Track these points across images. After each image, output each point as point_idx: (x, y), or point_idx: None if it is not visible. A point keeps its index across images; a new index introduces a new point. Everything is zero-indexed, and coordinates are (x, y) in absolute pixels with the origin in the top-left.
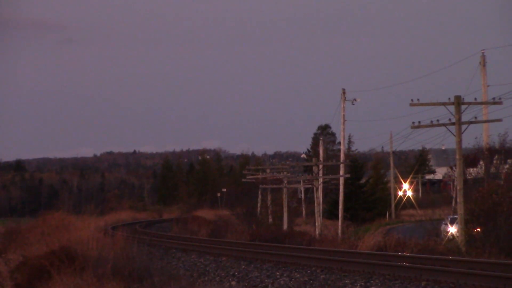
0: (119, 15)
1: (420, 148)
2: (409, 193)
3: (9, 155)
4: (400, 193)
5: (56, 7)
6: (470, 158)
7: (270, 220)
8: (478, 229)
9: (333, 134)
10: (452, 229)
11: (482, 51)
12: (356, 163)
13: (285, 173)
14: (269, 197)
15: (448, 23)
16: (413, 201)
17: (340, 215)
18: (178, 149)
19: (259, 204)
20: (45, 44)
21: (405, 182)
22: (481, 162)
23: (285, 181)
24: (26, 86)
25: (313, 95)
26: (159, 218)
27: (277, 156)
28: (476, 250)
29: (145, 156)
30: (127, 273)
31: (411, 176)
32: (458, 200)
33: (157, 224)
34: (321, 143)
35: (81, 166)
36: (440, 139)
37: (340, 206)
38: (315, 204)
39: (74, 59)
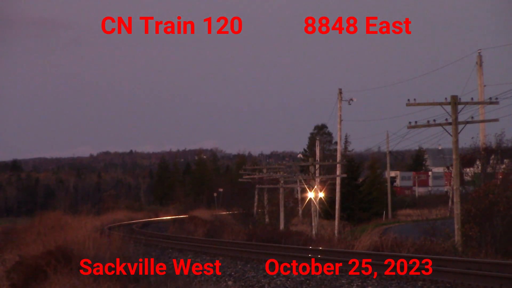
0: (116, 16)
1: (417, 148)
2: (321, 195)
3: (6, 155)
4: (310, 194)
5: (51, 6)
6: (467, 158)
7: (267, 220)
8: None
9: (329, 134)
10: None
11: (479, 51)
12: (353, 163)
13: (281, 173)
14: (265, 197)
15: (445, 23)
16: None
17: (336, 215)
18: (174, 149)
19: (255, 204)
20: (43, 44)
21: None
22: (478, 162)
23: (282, 181)
24: (23, 85)
25: (310, 95)
26: (156, 218)
27: (274, 156)
28: (473, 250)
29: (141, 156)
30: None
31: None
32: (454, 199)
33: (153, 224)
34: (317, 143)
35: (77, 166)
36: (437, 139)
37: (337, 206)
38: (312, 204)
39: (71, 59)
